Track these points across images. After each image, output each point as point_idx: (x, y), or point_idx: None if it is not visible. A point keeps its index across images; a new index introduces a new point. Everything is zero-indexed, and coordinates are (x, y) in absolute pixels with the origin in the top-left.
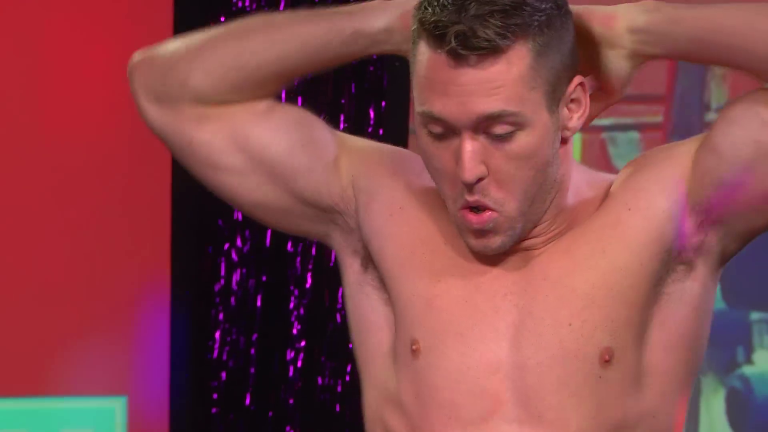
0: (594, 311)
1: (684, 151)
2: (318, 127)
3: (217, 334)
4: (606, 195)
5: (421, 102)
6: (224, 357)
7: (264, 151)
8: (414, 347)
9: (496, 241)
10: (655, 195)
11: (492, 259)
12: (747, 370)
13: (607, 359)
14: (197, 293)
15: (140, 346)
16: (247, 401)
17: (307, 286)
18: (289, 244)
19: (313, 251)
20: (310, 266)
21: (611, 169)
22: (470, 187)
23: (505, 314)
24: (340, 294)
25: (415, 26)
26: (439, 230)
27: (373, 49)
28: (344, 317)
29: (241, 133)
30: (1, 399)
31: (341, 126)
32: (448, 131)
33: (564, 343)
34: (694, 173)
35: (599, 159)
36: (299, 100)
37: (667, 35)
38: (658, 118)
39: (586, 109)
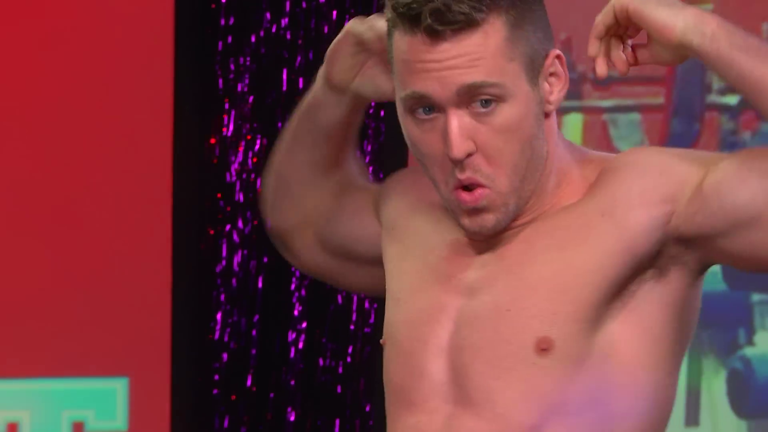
0: (536, 302)
1: (682, 176)
2: (365, 200)
3: (219, 316)
4: (595, 181)
5: (403, 87)
6: (225, 338)
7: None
8: (382, 342)
9: (490, 220)
10: (635, 208)
11: (469, 241)
12: (748, 351)
13: (544, 348)
14: (198, 274)
15: (142, 328)
16: (249, 382)
17: None
18: None
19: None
20: None
21: (612, 151)
22: (460, 165)
23: (456, 296)
24: None
25: (389, 16)
26: (427, 234)
27: (345, 104)
28: (345, 299)
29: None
30: (2, 380)
31: None
32: (433, 111)
33: (499, 327)
34: (685, 206)
35: (600, 140)
36: (300, 81)
37: (711, 64)
38: (660, 100)
39: (566, 83)
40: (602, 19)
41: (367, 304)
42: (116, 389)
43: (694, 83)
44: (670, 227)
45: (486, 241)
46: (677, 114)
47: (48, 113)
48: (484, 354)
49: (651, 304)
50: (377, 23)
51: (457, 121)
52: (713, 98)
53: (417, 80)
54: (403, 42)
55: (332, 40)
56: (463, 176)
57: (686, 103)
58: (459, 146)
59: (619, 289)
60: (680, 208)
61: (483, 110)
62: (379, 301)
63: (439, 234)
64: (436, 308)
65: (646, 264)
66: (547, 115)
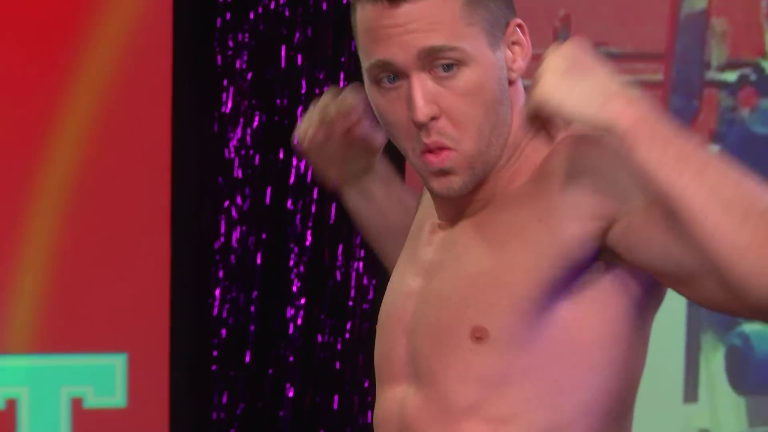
0: (474, 292)
1: (618, 198)
2: None
3: (217, 292)
4: (541, 164)
5: (367, 58)
6: (224, 314)
7: None
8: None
9: (456, 181)
10: (569, 220)
11: (441, 226)
12: (747, 327)
13: (478, 336)
14: (197, 251)
15: (141, 304)
16: (247, 359)
17: (307, 243)
18: (289, 202)
19: (313, 209)
20: (310, 224)
21: None
22: (425, 129)
23: (419, 278)
24: (339, 252)
25: None
26: (418, 221)
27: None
28: (344, 275)
29: None
30: (1, 356)
31: (341, 83)
32: (397, 79)
33: (440, 314)
34: (620, 234)
35: None
36: (299, 58)
37: (631, 166)
38: (658, 76)
39: (529, 51)
40: (527, 113)
41: (366, 281)
42: (115, 365)
43: (693, 60)
44: (607, 242)
45: (449, 225)
46: (676, 91)
47: (46, 89)
48: (429, 337)
49: (604, 290)
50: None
51: (420, 86)
52: (712, 75)
53: (379, 48)
54: (365, 11)
55: (330, 16)
56: (429, 140)
57: (685, 80)
58: (422, 109)
59: (563, 283)
60: (615, 230)
61: (445, 74)
62: (377, 277)
63: (425, 219)
64: (405, 289)
65: (590, 261)
66: (511, 82)
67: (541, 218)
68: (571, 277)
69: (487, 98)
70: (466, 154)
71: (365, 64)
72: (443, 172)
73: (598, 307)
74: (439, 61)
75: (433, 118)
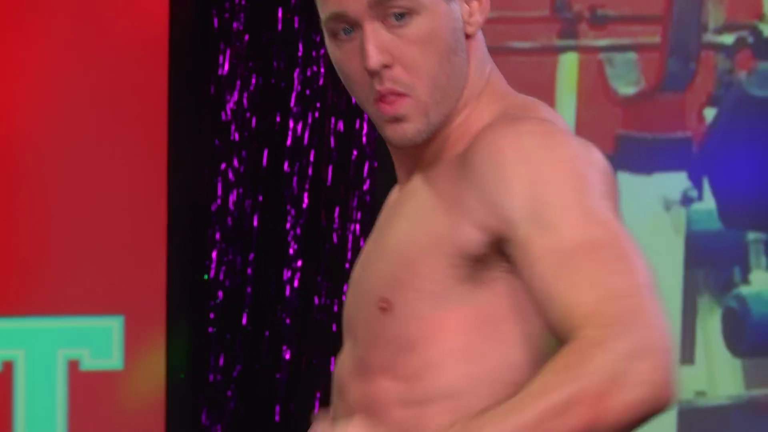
0: (384, 265)
1: (507, 215)
2: None
3: (214, 254)
4: (468, 146)
5: (322, 11)
6: (221, 277)
7: None
8: None
9: (410, 128)
10: (465, 223)
11: (399, 187)
12: (744, 290)
13: (383, 307)
14: (194, 213)
15: (137, 266)
16: (244, 321)
17: (304, 206)
18: (286, 164)
19: (310, 171)
20: (307, 186)
21: (608, 92)
22: (378, 77)
23: (369, 244)
24: (336, 214)
25: None
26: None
27: None
28: (340, 237)
29: None
30: None
31: None
32: (352, 31)
33: (362, 279)
34: (509, 250)
35: (596, 80)
36: (296, 20)
37: None
38: (656, 39)
39: (487, 7)
40: None
41: (362, 243)
42: (112, 327)
43: (690, 22)
44: (503, 249)
45: (404, 186)
46: (673, 53)
47: (43, 57)
48: (355, 301)
49: (515, 278)
50: None
51: (372, 34)
52: (709, 37)
53: (332, 0)
54: None
55: None
56: (382, 87)
57: (682, 43)
58: (374, 57)
59: (467, 272)
60: (505, 247)
61: (397, 23)
62: None
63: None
64: (363, 251)
65: (493, 259)
66: (468, 36)
67: (449, 208)
68: (476, 268)
69: (441, 47)
70: (420, 101)
71: (322, 18)
72: (397, 119)
73: (507, 290)
74: (390, 10)
75: (387, 66)
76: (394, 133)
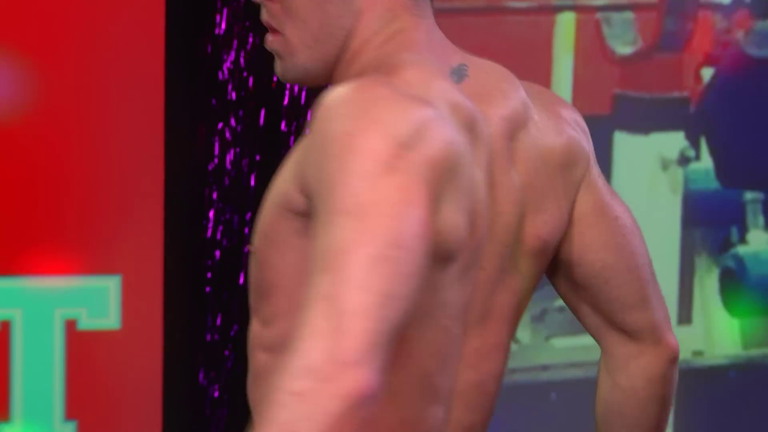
0: (261, 208)
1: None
2: None
3: (211, 214)
4: None
5: None
6: (218, 236)
7: None
8: None
9: (279, 66)
10: (295, 187)
11: None
12: (741, 249)
13: (252, 251)
14: (191, 173)
15: (134, 226)
16: (241, 280)
17: None
18: (283, 124)
19: (307, 131)
20: None
21: (605, 50)
22: (262, 9)
23: None
24: None
25: None
26: None
27: None
28: None
29: None
30: None
31: None
32: None
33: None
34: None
35: (594, 39)
36: None
37: None
38: None
39: None
40: None
41: None
42: (109, 287)
43: None
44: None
45: None
46: (670, 12)
47: (43, 25)
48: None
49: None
50: None
51: None
52: None
53: None
54: None
55: None
56: (263, 18)
57: (679, 2)
58: None
59: (299, 223)
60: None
61: None
62: None
63: None
64: None
65: (312, 213)
66: None
67: (294, 162)
68: (309, 225)
69: None
70: (289, 41)
71: None
72: (273, 54)
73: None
74: None
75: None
76: (275, 66)
